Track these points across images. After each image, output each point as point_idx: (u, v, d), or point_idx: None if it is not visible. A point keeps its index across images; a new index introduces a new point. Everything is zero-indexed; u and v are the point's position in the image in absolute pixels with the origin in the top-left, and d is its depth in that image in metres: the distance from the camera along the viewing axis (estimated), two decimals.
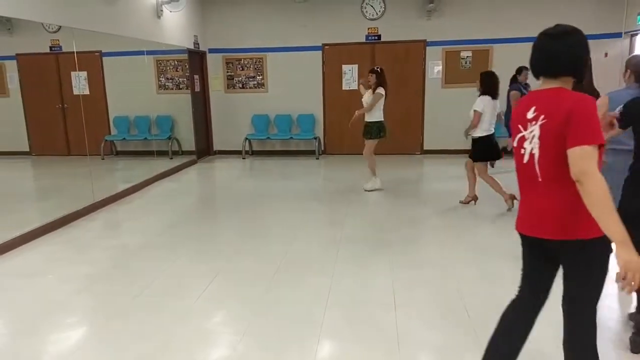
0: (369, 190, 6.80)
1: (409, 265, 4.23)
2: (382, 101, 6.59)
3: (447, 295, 3.61)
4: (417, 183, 6.66)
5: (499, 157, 5.94)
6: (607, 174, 3.68)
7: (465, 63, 9.50)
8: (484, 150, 5.76)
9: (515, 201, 5.59)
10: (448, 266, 4.16)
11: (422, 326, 3.19)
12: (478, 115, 5.58)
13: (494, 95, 5.62)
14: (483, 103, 5.58)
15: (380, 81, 6.55)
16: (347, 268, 4.19)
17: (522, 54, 7.81)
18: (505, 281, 3.79)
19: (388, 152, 8.93)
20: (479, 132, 5.67)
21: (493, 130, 5.73)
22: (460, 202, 6.05)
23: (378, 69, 6.61)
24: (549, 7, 8.90)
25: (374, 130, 6.68)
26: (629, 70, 3.61)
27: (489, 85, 5.64)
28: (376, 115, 6.64)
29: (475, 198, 6.00)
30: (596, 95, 4.00)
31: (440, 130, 9.64)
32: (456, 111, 7.92)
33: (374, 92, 6.55)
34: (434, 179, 7.93)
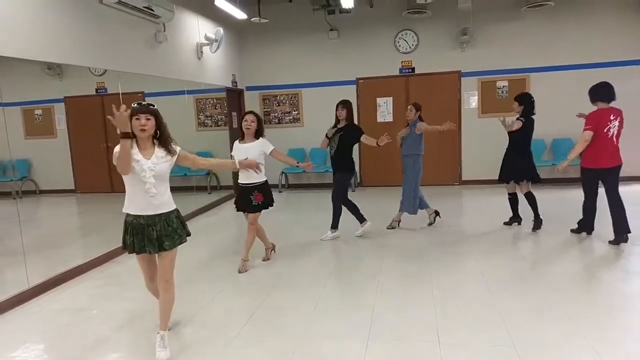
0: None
1: (453, 298, 4.13)
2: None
3: (493, 330, 3.49)
4: (457, 214, 6.54)
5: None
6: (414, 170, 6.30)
7: (502, 92, 9.41)
8: (270, 195, 5.16)
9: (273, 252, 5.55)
10: (493, 299, 4.04)
11: None
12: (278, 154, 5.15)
13: None
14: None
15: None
16: (388, 301, 4.13)
17: (560, 82, 7.77)
18: (553, 312, 3.67)
19: (426, 183, 8.83)
20: (264, 176, 5.04)
21: None
22: (264, 259, 5.47)
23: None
24: (586, 35, 8.54)
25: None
26: (419, 112, 6.21)
27: (262, 129, 5.29)
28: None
29: (274, 247, 5.63)
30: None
31: (478, 161, 9.53)
32: (493, 141, 7.81)
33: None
34: (473, 210, 7.79)
